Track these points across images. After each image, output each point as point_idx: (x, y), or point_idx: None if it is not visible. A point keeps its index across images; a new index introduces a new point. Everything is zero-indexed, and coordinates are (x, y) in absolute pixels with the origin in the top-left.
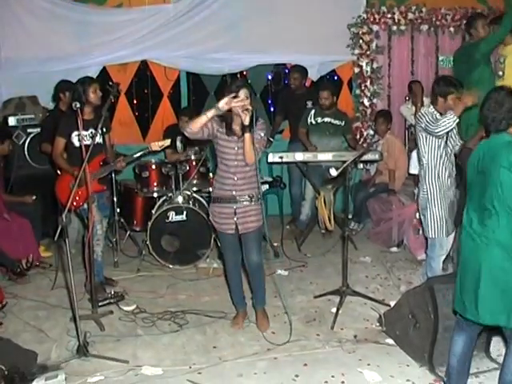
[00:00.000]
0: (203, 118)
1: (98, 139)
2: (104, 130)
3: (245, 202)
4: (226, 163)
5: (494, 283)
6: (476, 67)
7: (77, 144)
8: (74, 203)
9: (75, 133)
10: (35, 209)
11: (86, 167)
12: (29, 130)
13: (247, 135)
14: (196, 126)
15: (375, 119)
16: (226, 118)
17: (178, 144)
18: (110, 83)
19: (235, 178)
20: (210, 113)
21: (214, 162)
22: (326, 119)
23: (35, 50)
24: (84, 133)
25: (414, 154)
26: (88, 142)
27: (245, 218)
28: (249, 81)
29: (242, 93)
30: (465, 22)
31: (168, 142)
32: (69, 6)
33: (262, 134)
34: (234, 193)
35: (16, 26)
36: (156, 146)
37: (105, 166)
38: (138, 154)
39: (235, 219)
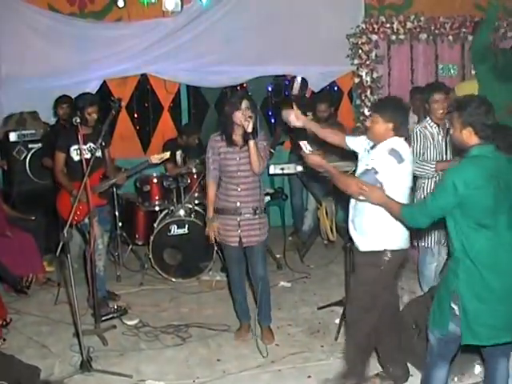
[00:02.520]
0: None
1: (98, 153)
2: (103, 144)
3: (248, 215)
4: (230, 175)
5: None
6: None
7: (76, 158)
8: (76, 218)
9: (74, 147)
10: (38, 224)
11: (86, 181)
12: (30, 146)
13: (251, 142)
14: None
15: None
16: (226, 129)
17: (178, 158)
18: (113, 98)
19: (239, 189)
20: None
21: None
22: None
23: (35, 66)
24: (83, 147)
25: None
26: (87, 156)
27: (249, 232)
28: (249, 93)
29: (244, 104)
30: (464, 30)
31: (167, 154)
32: (68, 21)
33: (265, 144)
34: (238, 204)
35: (16, 42)
36: (156, 158)
37: (105, 180)
38: (138, 168)
39: (239, 231)
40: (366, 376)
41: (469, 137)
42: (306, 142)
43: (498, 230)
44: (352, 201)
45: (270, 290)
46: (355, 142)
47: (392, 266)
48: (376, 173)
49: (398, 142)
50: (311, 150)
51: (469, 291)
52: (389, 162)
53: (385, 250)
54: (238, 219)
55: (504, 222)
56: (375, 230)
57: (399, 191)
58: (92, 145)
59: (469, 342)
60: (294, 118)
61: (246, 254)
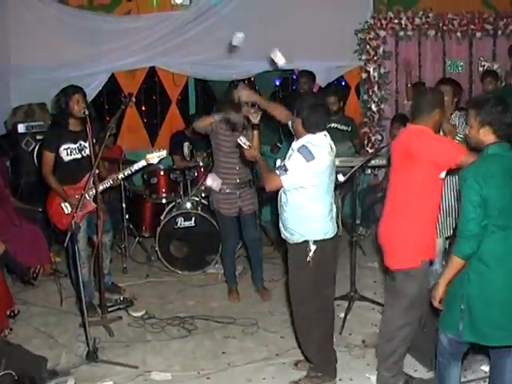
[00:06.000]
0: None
1: (88, 151)
2: (94, 141)
3: (246, 188)
4: (230, 155)
5: None
6: None
7: (66, 158)
8: (66, 226)
9: (64, 146)
10: (45, 215)
11: (96, 179)
12: (38, 137)
13: (256, 132)
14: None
15: (391, 123)
16: (229, 116)
17: (186, 150)
18: (124, 94)
19: (237, 168)
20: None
21: None
22: (333, 125)
23: (45, 58)
24: (72, 146)
25: None
26: (78, 156)
27: (247, 201)
28: (256, 87)
29: None
30: (472, 27)
31: (164, 153)
32: (78, 13)
33: None
34: (237, 180)
35: (26, 34)
36: (153, 158)
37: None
38: (135, 169)
39: (239, 203)
40: (332, 369)
41: (486, 135)
42: (242, 138)
43: (503, 222)
44: (278, 197)
45: (262, 252)
46: None
47: (319, 256)
48: (286, 170)
49: (313, 139)
50: (249, 144)
51: (479, 292)
52: (297, 160)
53: (307, 241)
54: (238, 192)
55: (507, 218)
56: (297, 224)
57: (315, 190)
58: (82, 143)
59: (470, 340)
60: (246, 94)
61: (241, 221)
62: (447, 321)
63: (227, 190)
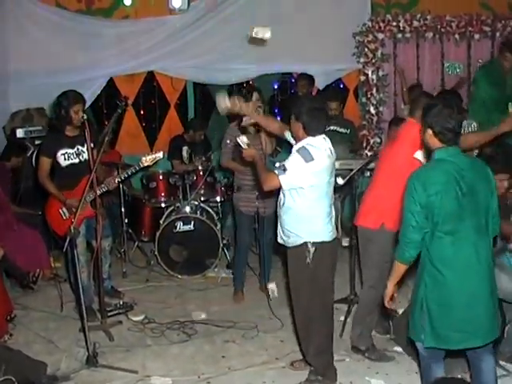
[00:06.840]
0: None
1: (86, 156)
2: (92, 145)
3: None
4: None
5: (493, 300)
6: None
7: (63, 164)
8: (64, 231)
9: (61, 151)
10: (44, 220)
11: (94, 183)
12: (36, 142)
13: (262, 134)
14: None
15: (389, 125)
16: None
17: (184, 154)
18: (119, 98)
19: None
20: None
21: (221, 172)
22: (332, 127)
23: (43, 62)
24: (70, 151)
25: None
26: (75, 161)
27: (265, 203)
28: None
29: (254, 96)
30: (470, 29)
31: (160, 155)
32: (76, 18)
33: None
34: (254, 182)
35: (24, 39)
36: (147, 161)
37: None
38: (131, 172)
39: (257, 203)
40: (332, 372)
41: (430, 139)
42: (242, 137)
43: (463, 235)
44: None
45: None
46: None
47: (318, 258)
48: (285, 170)
49: (313, 141)
50: (248, 143)
51: (435, 296)
52: (296, 161)
53: (306, 244)
54: (256, 193)
55: (470, 226)
56: (294, 225)
57: (314, 191)
58: (80, 147)
59: (432, 345)
60: (230, 104)
61: (259, 222)
62: (412, 329)
63: (246, 190)
